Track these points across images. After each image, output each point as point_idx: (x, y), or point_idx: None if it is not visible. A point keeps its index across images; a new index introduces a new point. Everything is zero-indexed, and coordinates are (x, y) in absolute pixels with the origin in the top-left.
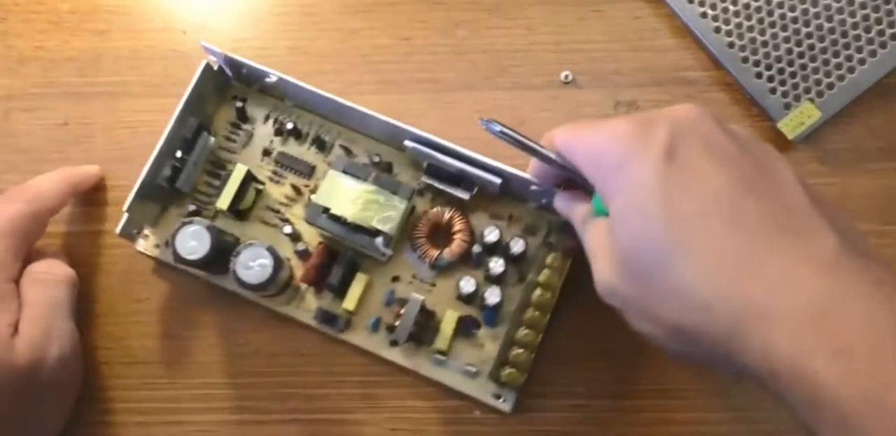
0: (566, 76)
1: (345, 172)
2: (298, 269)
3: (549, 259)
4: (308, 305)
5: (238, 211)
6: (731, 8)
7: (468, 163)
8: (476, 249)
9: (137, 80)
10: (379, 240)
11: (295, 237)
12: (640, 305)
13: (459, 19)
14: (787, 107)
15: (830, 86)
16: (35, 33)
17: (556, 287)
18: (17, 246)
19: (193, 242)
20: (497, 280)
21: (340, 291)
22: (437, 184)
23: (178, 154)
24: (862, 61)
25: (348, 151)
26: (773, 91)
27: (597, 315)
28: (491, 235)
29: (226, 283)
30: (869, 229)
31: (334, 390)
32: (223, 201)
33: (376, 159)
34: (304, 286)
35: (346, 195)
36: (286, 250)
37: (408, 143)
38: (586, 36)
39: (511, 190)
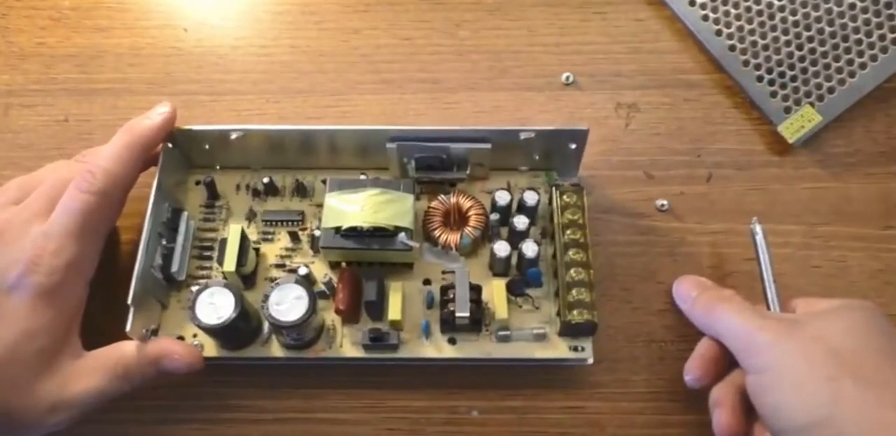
0: (567, 78)
1: (340, 188)
2: (326, 311)
3: (564, 198)
4: (351, 340)
5: (244, 277)
6: (733, 11)
7: (454, 140)
8: (493, 217)
9: (138, 77)
10: (402, 235)
11: (311, 279)
12: None
13: (461, 20)
14: (788, 111)
15: (831, 90)
16: (36, 29)
17: (584, 222)
18: (91, 242)
19: (215, 303)
20: (525, 237)
21: (380, 307)
22: (431, 175)
23: (164, 242)
24: (863, 66)
25: None
26: (773, 95)
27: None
28: (502, 199)
29: (251, 353)
30: (868, 233)
31: (332, 389)
32: (228, 264)
33: (363, 177)
34: (338, 326)
35: (352, 207)
36: None
37: (389, 145)
38: (587, 38)
39: (501, 162)
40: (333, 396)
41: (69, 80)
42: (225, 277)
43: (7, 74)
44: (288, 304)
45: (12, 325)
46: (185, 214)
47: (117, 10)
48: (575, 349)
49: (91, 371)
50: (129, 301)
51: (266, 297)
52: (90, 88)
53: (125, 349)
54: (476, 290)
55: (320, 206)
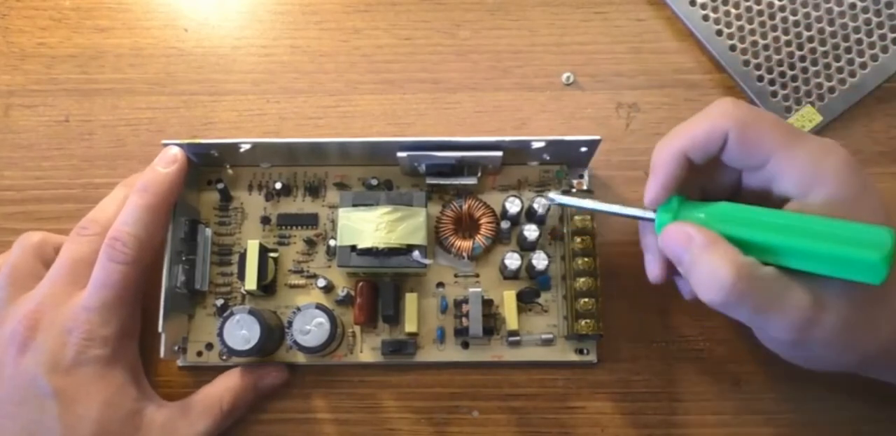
0: (567, 78)
1: (354, 205)
2: (345, 315)
3: None
4: (370, 345)
5: (264, 286)
6: (734, 11)
7: (465, 149)
8: (504, 224)
9: (139, 78)
10: (416, 253)
11: (329, 288)
12: (849, 330)
13: (461, 20)
14: (788, 110)
15: (831, 90)
16: (37, 30)
17: (592, 229)
18: (132, 305)
19: (242, 331)
20: (535, 246)
21: (396, 318)
22: (442, 181)
23: (184, 257)
24: (863, 65)
25: (343, 187)
26: (774, 94)
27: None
28: (513, 206)
29: (276, 359)
30: None
31: (333, 389)
32: (249, 282)
33: (374, 182)
34: (356, 331)
35: (366, 227)
36: (327, 304)
37: (400, 154)
38: (588, 38)
39: (512, 158)
40: (334, 396)
41: (70, 80)
42: (246, 293)
43: (8, 75)
44: (310, 328)
45: (91, 400)
46: (202, 226)
47: (118, 10)
48: (580, 352)
49: (193, 419)
50: (160, 329)
51: (290, 323)
52: (91, 89)
53: (222, 387)
54: (488, 303)
55: (333, 207)
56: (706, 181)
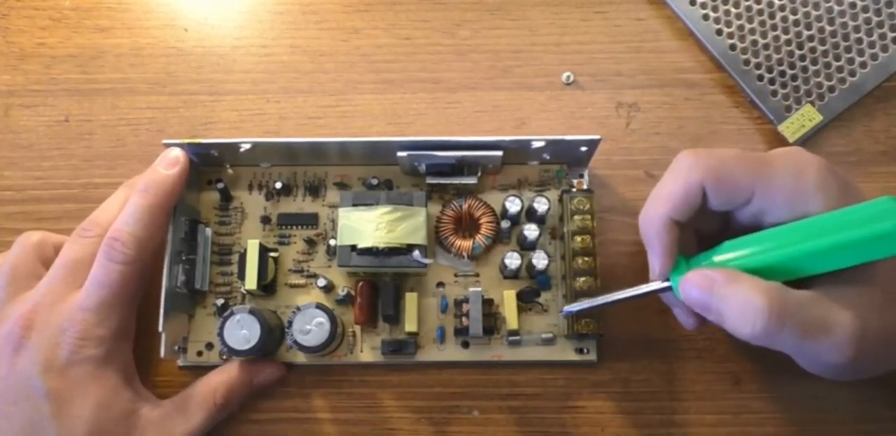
0: (567, 77)
1: (354, 204)
2: (345, 315)
3: (573, 204)
4: (370, 345)
5: (264, 286)
6: (734, 11)
7: (465, 149)
8: (504, 224)
9: (139, 78)
10: (416, 253)
11: (329, 287)
12: (890, 336)
13: (461, 19)
14: (789, 110)
15: (831, 89)
16: (37, 30)
17: (592, 228)
18: (129, 306)
19: (242, 331)
20: (535, 245)
21: (396, 318)
22: (442, 181)
23: (184, 257)
24: (863, 65)
25: (344, 186)
26: (774, 94)
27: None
28: (513, 206)
29: (277, 359)
30: None
31: (332, 389)
32: (250, 282)
33: (374, 182)
34: (357, 331)
35: (366, 226)
36: (327, 303)
37: (400, 153)
38: (588, 37)
39: (512, 158)
40: (333, 395)
41: (70, 80)
42: (246, 293)
43: (8, 75)
44: (310, 328)
45: (85, 401)
46: (202, 226)
47: (118, 10)
48: (580, 351)
49: (189, 414)
50: (160, 329)
51: (290, 323)
52: (91, 89)
53: (215, 381)
54: (488, 303)
55: (333, 206)
56: (697, 229)
